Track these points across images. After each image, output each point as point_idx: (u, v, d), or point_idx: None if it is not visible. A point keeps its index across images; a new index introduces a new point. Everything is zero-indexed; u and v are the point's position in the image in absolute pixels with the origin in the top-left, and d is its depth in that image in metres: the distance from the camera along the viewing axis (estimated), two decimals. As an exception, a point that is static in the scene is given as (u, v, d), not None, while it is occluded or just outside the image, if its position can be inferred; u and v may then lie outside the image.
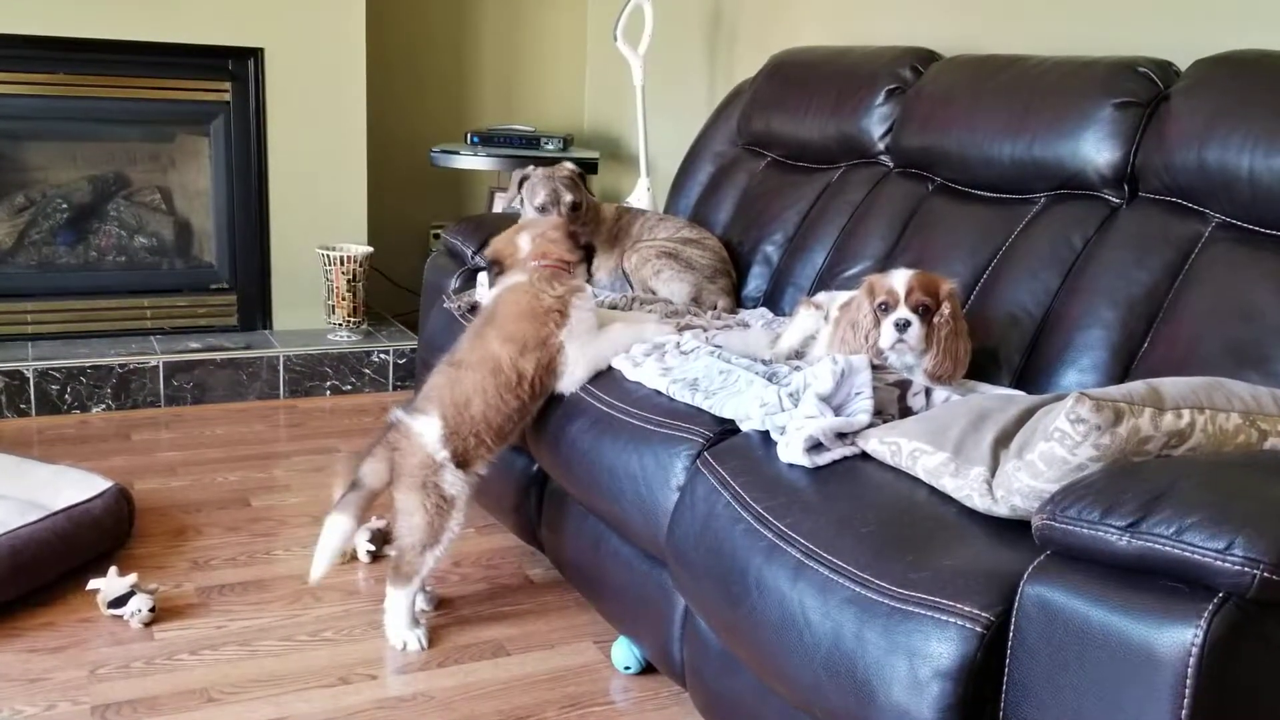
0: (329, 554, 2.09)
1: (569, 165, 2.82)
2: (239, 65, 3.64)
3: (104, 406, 3.43)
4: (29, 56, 3.38)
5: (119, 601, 2.20)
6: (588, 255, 2.34)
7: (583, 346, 2.17)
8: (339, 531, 2.09)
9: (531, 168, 2.79)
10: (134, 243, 3.80)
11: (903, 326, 1.91)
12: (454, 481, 2.10)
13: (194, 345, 3.61)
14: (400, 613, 2.17)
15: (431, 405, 2.12)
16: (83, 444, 3.16)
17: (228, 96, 3.65)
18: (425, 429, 2.10)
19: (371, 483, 2.12)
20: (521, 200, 2.77)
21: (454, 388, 2.12)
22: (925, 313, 1.92)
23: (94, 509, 2.41)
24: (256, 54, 3.64)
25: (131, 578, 2.24)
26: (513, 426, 2.16)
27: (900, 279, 1.94)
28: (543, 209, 2.70)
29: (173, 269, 3.84)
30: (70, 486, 2.50)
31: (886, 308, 1.93)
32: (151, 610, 2.20)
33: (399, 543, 2.13)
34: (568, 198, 2.71)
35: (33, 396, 3.33)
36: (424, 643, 2.18)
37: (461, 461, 2.11)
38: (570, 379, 2.17)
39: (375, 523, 2.54)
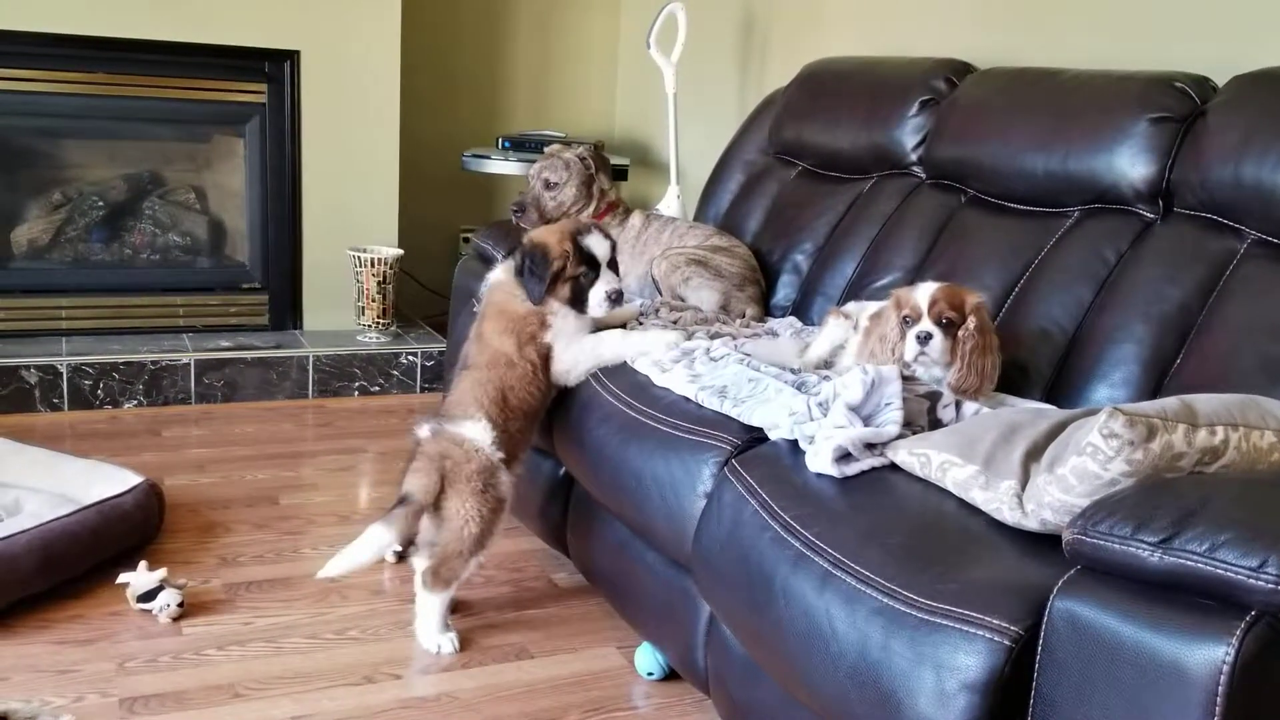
0: (355, 560, 2.06)
1: (582, 148, 2.95)
2: (275, 67, 3.68)
3: (136, 402, 3.46)
4: (68, 55, 3.43)
5: (148, 596, 2.23)
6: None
7: (568, 339, 2.20)
8: (375, 543, 2.06)
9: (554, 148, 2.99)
10: (168, 241, 3.84)
11: (924, 339, 1.90)
12: (506, 481, 2.14)
13: (225, 344, 3.64)
14: (434, 617, 2.17)
15: (472, 408, 2.13)
16: (114, 439, 3.19)
17: (263, 98, 3.69)
18: (476, 433, 2.11)
19: (422, 498, 2.09)
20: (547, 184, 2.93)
21: (483, 387, 2.15)
22: (949, 326, 1.90)
23: (124, 504, 2.44)
24: (292, 56, 3.67)
25: (160, 572, 2.26)
26: (541, 409, 2.23)
27: (924, 292, 1.93)
28: (549, 186, 2.91)
29: (205, 268, 3.87)
30: (101, 481, 2.53)
31: (910, 320, 1.92)
32: (180, 605, 2.22)
33: (443, 549, 2.11)
34: (551, 178, 2.89)
35: (66, 391, 3.37)
36: (457, 645, 2.19)
37: (508, 459, 2.15)
38: (560, 366, 2.21)
39: (401, 523, 2.56)
